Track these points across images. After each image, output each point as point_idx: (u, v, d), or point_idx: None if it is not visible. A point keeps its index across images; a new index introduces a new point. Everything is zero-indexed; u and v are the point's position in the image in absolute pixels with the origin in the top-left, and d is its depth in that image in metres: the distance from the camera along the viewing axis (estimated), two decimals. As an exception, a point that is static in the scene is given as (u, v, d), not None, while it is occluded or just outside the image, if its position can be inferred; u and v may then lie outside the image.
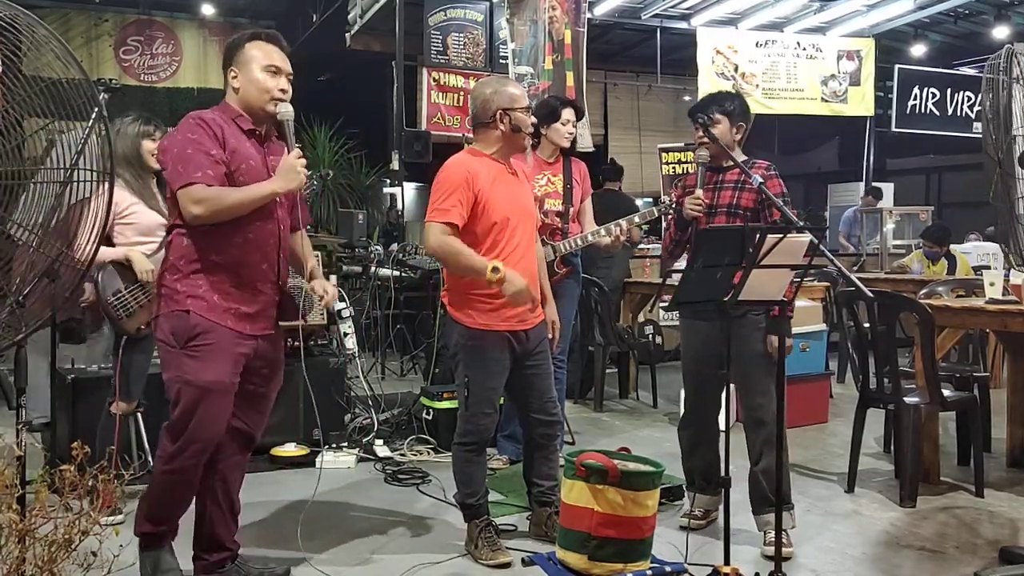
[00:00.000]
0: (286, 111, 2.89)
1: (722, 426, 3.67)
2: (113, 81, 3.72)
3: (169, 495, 2.88)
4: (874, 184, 11.30)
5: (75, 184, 2.55)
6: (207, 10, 11.62)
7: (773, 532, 3.17)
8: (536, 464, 3.57)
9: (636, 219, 4.51)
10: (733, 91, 4.00)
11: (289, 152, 2.86)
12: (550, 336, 3.55)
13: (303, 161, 2.85)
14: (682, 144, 9.56)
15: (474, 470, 3.42)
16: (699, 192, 3.56)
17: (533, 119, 3.55)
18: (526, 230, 3.42)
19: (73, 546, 2.14)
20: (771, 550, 3.19)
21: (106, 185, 2.58)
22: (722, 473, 2.99)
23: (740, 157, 3.54)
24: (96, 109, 2.46)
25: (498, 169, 3.39)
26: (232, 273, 2.84)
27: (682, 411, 3.81)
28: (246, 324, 2.86)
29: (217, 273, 2.82)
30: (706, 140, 3.53)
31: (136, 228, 3.79)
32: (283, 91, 2.89)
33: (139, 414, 4.02)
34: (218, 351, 2.80)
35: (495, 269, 3.16)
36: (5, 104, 2.38)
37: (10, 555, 2.09)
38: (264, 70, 2.86)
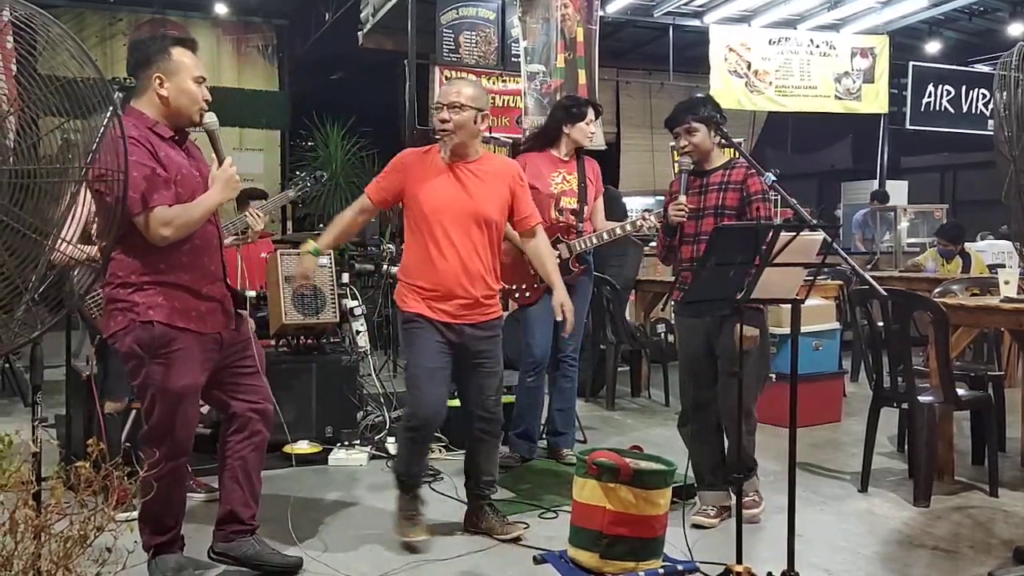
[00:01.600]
0: (212, 120, 2.97)
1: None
2: (128, 80, 3.72)
3: (167, 500, 2.93)
4: (882, 189, 11.19)
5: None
6: (220, 9, 11.64)
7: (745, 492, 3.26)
8: (476, 458, 3.61)
9: (652, 218, 4.52)
10: (701, 95, 4.12)
11: (220, 162, 2.93)
12: (559, 318, 3.55)
13: (235, 168, 2.96)
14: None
15: (410, 454, 3.52)
16: (682, 198, 3.66)
17: (460, 121, 3.37)
18: (466, 231, 3.40)
19: (88, 542, 2.15)
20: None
21: (121, 184, 2.59)
22: (733, 472, 2.99)
23: (722, 160, 3.70)
24: (111, 108, 2.47)
25: (441, 166, 3.43)
26: (184, 278, 2.90)
27: (680, 407, 3.84)
28: (206, 323, 2.94)
29: (170, 280, 2.87)
30: (689, 148, 3.64)
31: None
32: (207, 101, 2.96)
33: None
34: (187, 355, 2.88)
35: (313, 248, 3.57)
36: (21, 103, 2.39)
37: (26, 551, 2.11)
38: (195, 80, 2.92)
